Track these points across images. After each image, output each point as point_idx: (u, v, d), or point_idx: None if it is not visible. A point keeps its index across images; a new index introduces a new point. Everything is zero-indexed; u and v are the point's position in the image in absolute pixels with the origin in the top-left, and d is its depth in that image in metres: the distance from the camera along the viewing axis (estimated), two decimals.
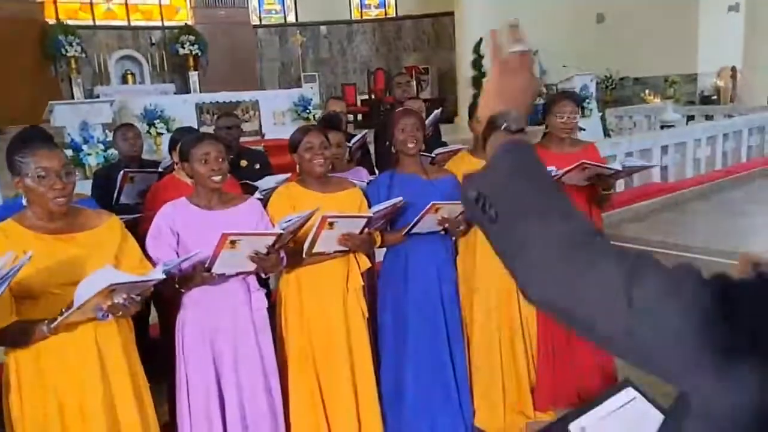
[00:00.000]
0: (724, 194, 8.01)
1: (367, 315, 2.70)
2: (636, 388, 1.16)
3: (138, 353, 2.18)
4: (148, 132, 9.07)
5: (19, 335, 1.86)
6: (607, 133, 9.92)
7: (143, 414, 2.09)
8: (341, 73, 16.08)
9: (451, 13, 12.89)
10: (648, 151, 7.86)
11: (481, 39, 12.27)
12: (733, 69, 14.08)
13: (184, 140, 2.32)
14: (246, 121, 10.56)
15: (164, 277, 1.87)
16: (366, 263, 2.73)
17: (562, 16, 13.61)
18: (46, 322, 1.81)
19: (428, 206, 2.50)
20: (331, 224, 2.31)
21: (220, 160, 2.23)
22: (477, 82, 12.46)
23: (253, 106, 10.65)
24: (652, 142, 8.06)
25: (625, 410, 1.10)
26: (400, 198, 2.54)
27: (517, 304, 2.97)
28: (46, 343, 1.88)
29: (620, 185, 7.18)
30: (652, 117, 11.24)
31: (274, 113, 10.49)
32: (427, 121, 4.03)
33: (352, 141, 3.60)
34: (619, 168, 2.71)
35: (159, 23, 14.24)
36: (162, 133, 8.85)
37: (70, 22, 12.68)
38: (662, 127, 10.66)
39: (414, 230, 2.61)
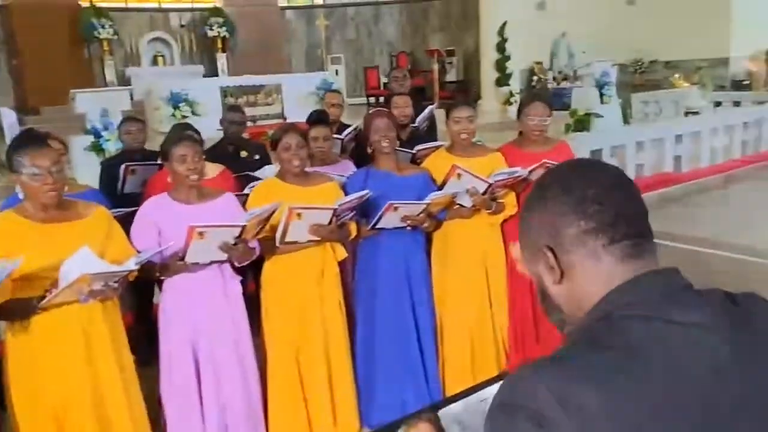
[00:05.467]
0: (737, 185, 7.84)
1: (342, 302, 2.90)
2: None
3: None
4: (173, 115, 9.46)
5: (14, 311, 2.12)
6: (626, 120, 9.78)
7: (127, 389, 2.33)
8: (367, 54, 16.15)
9: None
10: (660, 141, 7.77)
11: (505, 22, 12.19)
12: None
13: (164, 141, 2.53)
14: (270, 104, 10.88)
15: (137, 268, 2.11)
16: (342, 253, 2.91)
17: None
18: (36, 299, 2.07)
19: (386, 206, 2.66)
20: (299, 215, 2.50)
21: (197, 159, 2.44)
22: (500, 65, 12.41)
23: (276, 89, 10.88)
24: (665, 131, 7.94)
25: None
26: (367, 191, 2.71)
27: (488, 304, 3.12)
28: (36, 324, 2.13)
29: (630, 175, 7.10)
30: (679, 102, 11.02)
31: (297, 96, 10.68)
32: (419, 117, 4.16)
33: (345, 133, 3.74)
34: None
35: (189, 5, 14.52)
36: (186, 116, 9.18)
37: (103, 5, 13.04)
38: (686, 114, 10.48)
39: (380, 225, 2.78)
